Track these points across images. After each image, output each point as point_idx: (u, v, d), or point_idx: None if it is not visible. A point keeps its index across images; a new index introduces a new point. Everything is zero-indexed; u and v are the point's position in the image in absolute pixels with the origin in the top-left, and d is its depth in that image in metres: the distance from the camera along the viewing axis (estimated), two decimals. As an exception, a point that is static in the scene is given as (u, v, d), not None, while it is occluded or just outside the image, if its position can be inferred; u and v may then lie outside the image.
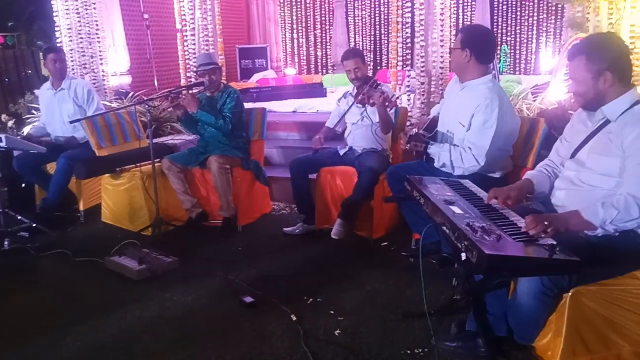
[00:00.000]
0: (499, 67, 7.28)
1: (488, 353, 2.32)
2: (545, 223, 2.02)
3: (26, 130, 5.25)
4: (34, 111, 5.92)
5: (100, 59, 6.23)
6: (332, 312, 2.91)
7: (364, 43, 10.14)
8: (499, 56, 8.42)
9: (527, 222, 2.05)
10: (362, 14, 10.12)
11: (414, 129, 3.37)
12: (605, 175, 2.20)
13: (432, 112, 3.64)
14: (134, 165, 4.38)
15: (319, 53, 10.46)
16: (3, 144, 3.82)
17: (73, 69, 6.05)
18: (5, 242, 3.92)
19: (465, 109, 3.05)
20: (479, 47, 3.03)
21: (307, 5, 10.32)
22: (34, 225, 4.20)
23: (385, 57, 9.57)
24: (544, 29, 8.78)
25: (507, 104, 3.06)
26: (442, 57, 4.98)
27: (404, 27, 5.08)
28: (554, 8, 8.54)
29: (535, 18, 8.86)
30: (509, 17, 9.04)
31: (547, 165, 2.59)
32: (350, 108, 4.01)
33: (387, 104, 3.66)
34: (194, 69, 4.44)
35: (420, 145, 3.17)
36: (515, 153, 3.26)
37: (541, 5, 8.75)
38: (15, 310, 3.13)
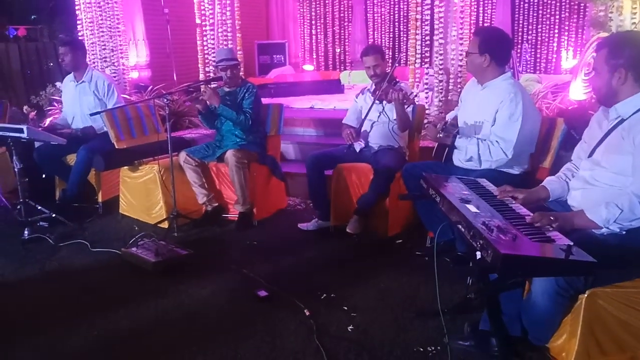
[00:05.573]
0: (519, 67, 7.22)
1: (502, 353, 2.30)
2: (551, 218, 2.09)
3: (48, 121, 5.32)
4: (55, 103, 6.00)
5: (121, 53, 6.30)
6: (345, 308, 2.91)
7: (383, 40, 10.10)
8: (519, 55, 8.35)
9: (534, 216, 2.12)
10: (381, 11, 10.08)
11: (446, 117, 3.37)
12: (619, 174, 2.20)
13: (448, 117, 3.62)
14: (152, 158, 4.41)
15: (337, 49, 10.45)
16: (24, 135, 3.87)
17: (94, 62, 6.13)
18: (26, 232, 3.99)
19: (488, 105, 3.07)
20: (497, 51, 3.07)
21: (326, 1, 10.30)
22: (54, 215, 4.26)
23: (404, 54, 9.54)
24: (566, 28, 8.68)
25: (528, 100, 3.07)
26: (461, 54, 4.95)
27: (423, 24, 5.06)
28: (576, 7, 8.43)
29: (557, 17, 8.75)
30: (530, 16, 8.95)
31: (568, 169, 2.60)
32: (370, 108, 3.97)
33: (405, 101, 3.64)
34: (214, 63, 4.46)
35: (449, 138, 3.17)
36: (533, 153, 3.24)
37: (563, 3, 8.65)
38: (32, 300, 3.17)
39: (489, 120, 3.07)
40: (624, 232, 2.13)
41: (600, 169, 2.29)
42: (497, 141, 3.01)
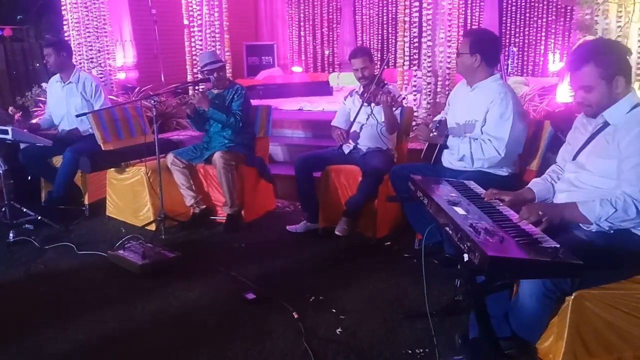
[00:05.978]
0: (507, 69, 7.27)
1: (490, 355, 2.31)
2: (540, 213, 2.10)
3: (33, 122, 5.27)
4: (40, 104, 5.94)
5: (107, 54, 6.26)
6: (333, 310, 2.91)
7: (371, 42, 10.14)
8: (506, 58, 8.42)
9: (522, 212, 2.13)
10: (369, 13, 10.12)
11: (438, 117, 3.39)
12: (604, 177, 2.22)
13: (436, 120, 3.63)
14: (139, 160, 4.38)
15: (326, 51, 10.46)
16: (9, 137, 3.83)
17: (80, 63, 6.08)
18: (11, 234, 3.94)
19: (479, 105, 3.10)
20: (488, 52, 3.09)
21: (315, 3, 10.32)
22: (39, 218, 4.22)
23: (393, 56, 9.57)
24: (553, 31, 8.76)
25: (517, 101, 3.10)
26: (449, 57, 4.97)
27: (411, 26, 5.07)
28: (562, 10, 8.51)
29: (544, 20, 8.84)
30: (518, 19, 9.03)
31: (553, 171, 2.61)
32: (359, 110, 3.97)
33: (393, 103, 3.65)
34: (200, 68, 4.46)
35: (441, 137, 3.18)
36: (521, 155, 3.26)
37: (550, 7, 8.74)
38: (18, 303, 3.14)
39: (479, 120, 3.09)
40: (612, 232, 2.14)
41: (584, 172, 2.30)
42: (489, 140, 3.03)
